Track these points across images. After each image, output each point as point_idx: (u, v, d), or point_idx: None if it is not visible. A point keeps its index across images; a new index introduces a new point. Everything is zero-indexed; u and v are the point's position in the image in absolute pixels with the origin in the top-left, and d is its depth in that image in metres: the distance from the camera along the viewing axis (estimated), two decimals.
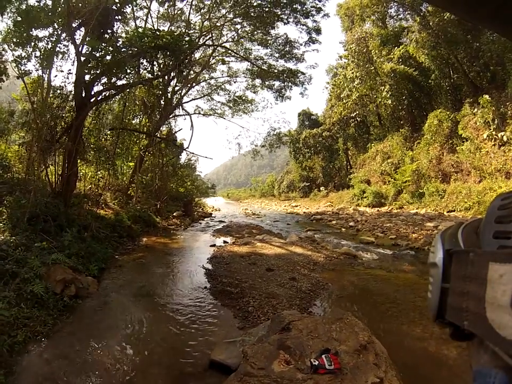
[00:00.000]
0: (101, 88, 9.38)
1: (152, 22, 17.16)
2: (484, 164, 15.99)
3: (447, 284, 0.41)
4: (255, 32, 18.33)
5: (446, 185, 18.00)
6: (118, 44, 8.99)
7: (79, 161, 9.37)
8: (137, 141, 14.98)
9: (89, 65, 8.35)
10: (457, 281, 0.40)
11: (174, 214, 15.28)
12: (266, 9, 15.64)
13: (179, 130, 29.35)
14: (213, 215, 20.85)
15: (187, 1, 16.88)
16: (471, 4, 0.54)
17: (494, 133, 15.79)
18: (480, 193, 14.51)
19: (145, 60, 9.82)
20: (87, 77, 8.74)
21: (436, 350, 3.37)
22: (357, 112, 31.00)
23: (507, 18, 0.51)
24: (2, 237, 5.26)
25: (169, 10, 17.59)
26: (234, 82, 23.36)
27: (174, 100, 18.26)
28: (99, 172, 12.22)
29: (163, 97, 16.03)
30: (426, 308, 0.46)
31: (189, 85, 19.83)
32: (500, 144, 15.57)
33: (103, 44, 8.49)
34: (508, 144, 15.21)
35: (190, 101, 23.17)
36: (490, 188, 14.26)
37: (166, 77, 14.43)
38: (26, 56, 7.50)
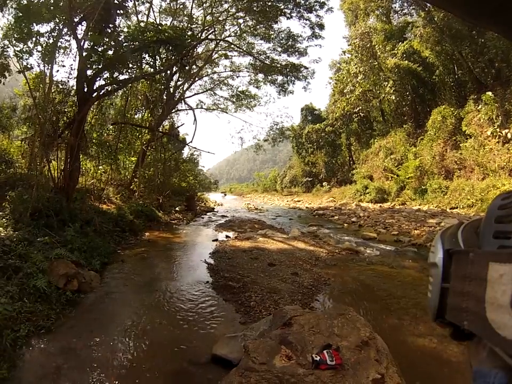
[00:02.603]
0: (103, 82, 9.36)
1: (154, 16, 17.10)
2: (487, 161, 15.92)
3: (447, 284, 0.41)
4: (258, 27, 18.21)
5: (449, 182, 17.94)
6: (120, 39, 8.95)
7: (81, 156, 9.39)
8: (140, 136, 15.01)
9: (91, 60, 8.33)
10: (457, 281, 0.39)
11: (177, 209, 15.31)
12: (269, 4, 15.53)
13: (181, 125, 29.39)
14: (215, 210, 20.88)
15: None
16: (471, 4, 0.54)
17: (498, 130, 15.70)
18: (483, 190, 14.44)
19: (147, 54, 9.75)
20: (89, 72, 8.72)
21: (437, 347, 3.37)
22: (360, 108, 30.85)
23: (508, 18, 0.50)
24: (5, 232, 5.29)
25: (171, 5, 17.51)
26: (237, 77, 23.30)
27: (177, 94, 18.23)
28: (101, 167, 12.27)
29: (165, 92, 16.01)
30: (426, 307, 0.46)
31: (191, 80, 19.79)
32: (504, 141, 15.48)
33: (105, 39, 8.47)
34: None
35: (193, 95, 23.20)
36: (494, 185, 14.19)
37: (169, 72, 14.37)
38: (28, 51, 7.50)
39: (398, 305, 4.62)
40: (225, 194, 52.55)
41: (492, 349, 0.35)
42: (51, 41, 7.78)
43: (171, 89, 17.00)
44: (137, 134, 15.02)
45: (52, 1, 7.58)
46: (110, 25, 8.81)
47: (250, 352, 2.52)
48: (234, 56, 21.45)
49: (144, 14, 16.03)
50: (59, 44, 8.07)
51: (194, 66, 18.57)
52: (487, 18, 0.52)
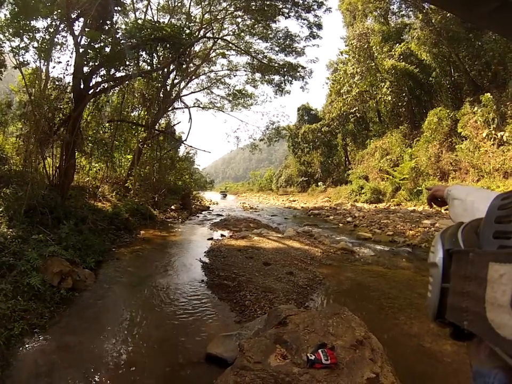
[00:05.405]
0: (100, 79, 9.32)
1: (152, 14, 17.04)
2: (482, 163, 16.02)
3: (447, 284, 0.41)
4: (256, 26, 18.21)
5: (444, 183, 18.01)
6: (117, 36, 8.91)
7: (77, 153, 9.33)
8: (136, 134, 14.94)
9: (87, 56, 8.28)
10: (457, 281, 0.40)
11: (172, 207, 15.27)
12: (268, 3, 15.52)
13: (178, 123, 29.37)
14: (210, 209, 20.86)
15: None
16: (469, 4, 0.54)
17: (493, 132, 15.81)
18: None
19: (144, 52, 9.72)
20: (85, 69, 8.68)
21: (432, 346, 3.39)
22: (357, 108, 30.95)
23: (506, 18, 0.51)
24: None
25: (169, 3, 17.47)
26: (234, 76, 23.38)
27: (173, 92, 18.19)
28: (97, 164, 12.20)
29: (162, 90, 15.96)
30: (425, 306, 0.46)
31: (188, 78, 19.75)
32: (499, 143, 15.60)
33: (102, 35, 8.41)
34: (507, 143, 15.24)
35: (189, 94, 23.15)
36: (488, 187, 14.27)
37: (166, 69, 14.33)
38: (24, 46, 7.43)
39: (393, 305, 4.64)
40: (226, 195, 47.04)
41: (492, 349, 0.35)
42: (48, 37, 7.72)
43: (168, 87, 16.96)
44: (133, 131, 14.95)
45: None
46: (108, 22, 8.76)
47: (245, 351, 2.52)
48: (232, 55, 21.46)
49: (142, 11, 15.97)
50: (56, 40, 8.01)
51: (191, 65, 18.55)
52: (487, 18, 0.52)
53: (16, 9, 7.14)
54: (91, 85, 9.04)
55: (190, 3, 17.12)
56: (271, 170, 61.68)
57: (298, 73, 20.06)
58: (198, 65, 19.94)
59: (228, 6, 17.03)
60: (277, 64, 19.96)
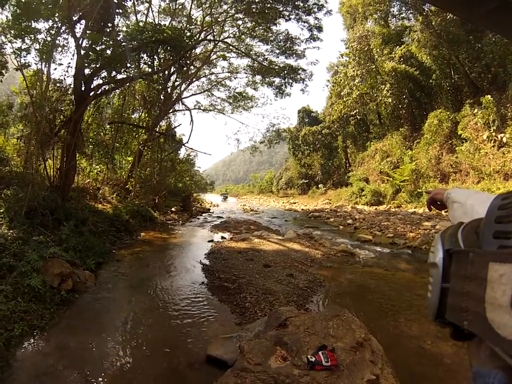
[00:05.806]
0: (101, 81, 9.35)
1: (153, 16, 17.09)
2: (482, 165, 16.03)
3: (447, 284, 0.41)
4: (256, 28, 18.26)
5: (445, 186, 17.99)
6: (118, 38, 8.93)
7: (77, 155, 9.34)
8: (136, 136, 14.96)
9: (89, 58, 8.30)
10: (457, 281, 0.40)
11: (172, 209, 15.28)
12: (268, 5, 15.56)
13: (178, 125, 29.42)
14: (211, 211, 20.86)
15: None
16: (469, 4, 0.54)
17: (493, 134, 15.82)
18: None
19: (145, 54, 9.74)
20: (86, 71, 8.70)
21: (432, 348, 3.39)
22: (357, 110, 30.98)
23: (506, 18, 0.51)
24: (0, 231, 5.25)
25: (170, 5, 17.51)
26: (235, 78, 23.35)
27: (174, 94, 18.22)
28: (98, 166, 12.22)
29: (163, 92, 15.99)
30: (425, 307, 0.46)
31: (189, 80, 19.79)
32: (499, 145, 15.62)
33: (104, 38, 8.44)
34: (507, 145, 15.26)
35: (190, 96, 23.22)
36: (489, 189, 14.28)
37: (166, 72, 14.38)
38: (25, 48, 7.45)
39: (393, 307, 4.63)
40: (227, 197, 45.84)
41: (492, 349, 0.35)
42: (49, 39, 7.74)
43: (168, 90, 16.99)
44: (134, 133, 14.98)
45: None
46: (109, 24, 8.79)
47: (245, 353, 2.52)
48: (232, 57, 21.55)
49: (143, 13, 16.02)
50: (57, 42, 8.04)
51: (192, 67, 18.56)
52: (487, 18, 0.53)
53: (18, 11, 7.16)
54: (92, 87, 9.07)
55: (191, 6, 17.17)
56: (271, 173, 61.77)
57: (298, 76, 20.09)
58: (198, 67, 19.98)
59: (228, 9, 17.08)
60: (277, 67, 19.99)
